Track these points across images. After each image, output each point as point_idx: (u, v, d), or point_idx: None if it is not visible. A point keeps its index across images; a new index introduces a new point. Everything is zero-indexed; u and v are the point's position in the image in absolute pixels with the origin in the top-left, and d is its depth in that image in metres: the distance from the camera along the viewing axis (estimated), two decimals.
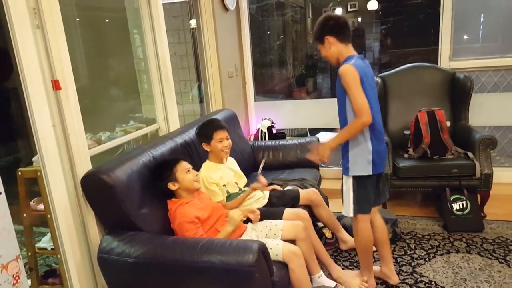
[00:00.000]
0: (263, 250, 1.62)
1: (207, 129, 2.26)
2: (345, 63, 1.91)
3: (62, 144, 1.77)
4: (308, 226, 2.13)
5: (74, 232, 1.81)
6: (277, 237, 2.01)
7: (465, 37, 3.39)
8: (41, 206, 2.04)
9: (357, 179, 1.98)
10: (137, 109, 2.90)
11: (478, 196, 2.80)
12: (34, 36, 1.62)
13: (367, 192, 2.00)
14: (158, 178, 1.94)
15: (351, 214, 2.03)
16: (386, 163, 2.09)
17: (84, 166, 1.83)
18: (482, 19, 3.43)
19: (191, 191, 1.98)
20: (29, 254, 2.26)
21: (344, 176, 2.04)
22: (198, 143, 2.37)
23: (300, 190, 2.41)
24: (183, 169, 1.94)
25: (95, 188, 1.78)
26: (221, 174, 2.25)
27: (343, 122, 1.98)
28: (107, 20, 2.82)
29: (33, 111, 1.59)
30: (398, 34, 7.33)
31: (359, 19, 6.96)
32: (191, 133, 2.44)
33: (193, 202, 1.95)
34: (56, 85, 1.70)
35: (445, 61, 3.35)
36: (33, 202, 2.22)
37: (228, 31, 3.36)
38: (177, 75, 3.17)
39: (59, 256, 1.85)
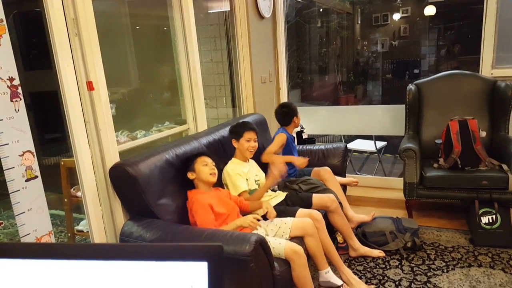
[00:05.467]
0: (261, 242, 1.72)
1: (240, 128, 2.49)
2: None
3: (95, 138, 2.01)
4: (319, 227, 2.18)
5: (101, 216, 2.04)
6: (285, 235, 2.09)
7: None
8: (79, 193, 2.32)
9: None
10: (177, 111, 3.13)
11: None
12: (73, 43, 1.88)
13: None
14: (182, 167, 2.17)
15: None
16: None
17: (112, 158, 2.05)
18: None
19: (207, 184, 2.14)
20: (69, 235, 2.56)
21: None
22: (221, 144, 2.56)
23: (314, 195, 2.46)
24: (202, 162, 2.14)
25: (120, 178, 2.00)
26: (246, 170, 2.42)
27: None
28: (154, 28, 3.09)
29: (68, 108, 1.85)
30: (458, 41, 7.01)
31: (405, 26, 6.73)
32: (216, 135, 2.60)
33: (209, 194, 2.12)
34: (90, 86, 1.95)
35: (487, 69, 3.20)
36: (73, 189, 2.52)
37: (263, 38, 3.48)
38: (213, 80, 3.35)
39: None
